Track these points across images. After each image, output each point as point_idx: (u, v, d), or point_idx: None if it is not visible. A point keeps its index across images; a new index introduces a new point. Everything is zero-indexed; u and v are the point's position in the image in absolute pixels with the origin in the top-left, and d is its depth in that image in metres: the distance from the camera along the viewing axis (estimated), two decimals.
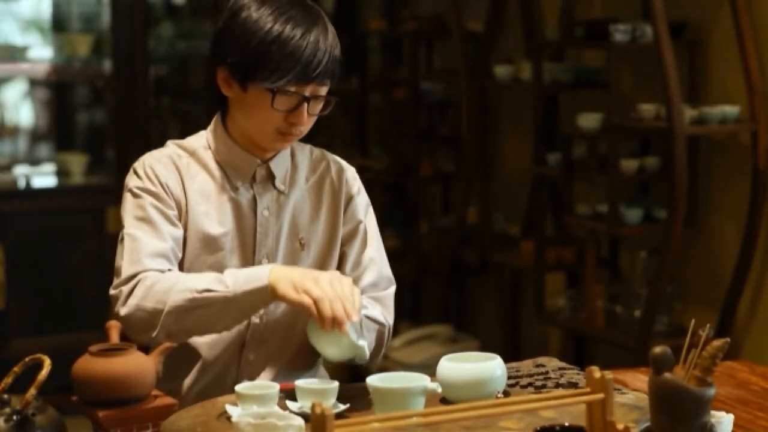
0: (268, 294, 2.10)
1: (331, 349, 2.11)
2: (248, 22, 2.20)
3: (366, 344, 2.13)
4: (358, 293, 2.11)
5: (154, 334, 2.13)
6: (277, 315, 2.31)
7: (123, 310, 2.14)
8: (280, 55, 2.17)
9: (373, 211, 2.43)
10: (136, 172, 2.27)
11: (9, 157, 5.68)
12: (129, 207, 2.24)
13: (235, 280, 2.12)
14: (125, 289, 2.15)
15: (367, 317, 2.26)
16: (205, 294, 2.11)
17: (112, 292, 2.18)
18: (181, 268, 2.24)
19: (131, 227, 2.21)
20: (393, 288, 2.41)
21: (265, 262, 2.29)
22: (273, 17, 2.19)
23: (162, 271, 2.17)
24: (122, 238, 2.22)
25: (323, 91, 2.25)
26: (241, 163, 2.30)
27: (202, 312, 2.12)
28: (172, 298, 2.11)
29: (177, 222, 2.25)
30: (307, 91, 2.22)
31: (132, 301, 2.14)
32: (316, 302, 2.04)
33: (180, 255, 2.25)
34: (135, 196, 2.24)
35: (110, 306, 2.19)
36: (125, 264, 2.17)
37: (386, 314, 2.36)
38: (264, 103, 2.21)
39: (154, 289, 2.13)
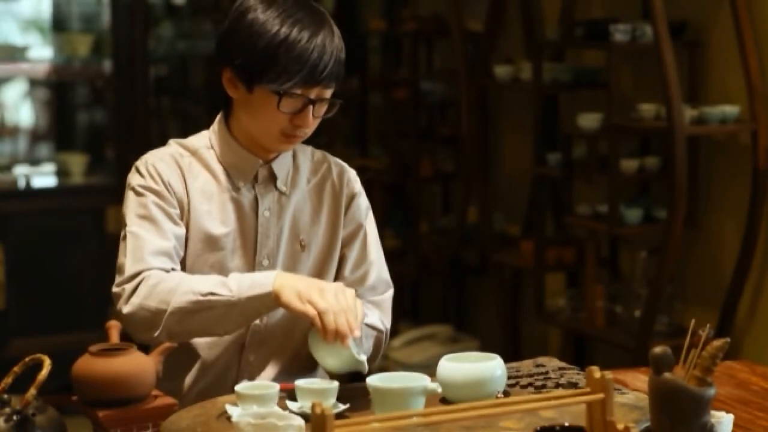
0: (271, 301, 2.10)
1: (331, 360, 2.11)
2: (255, 24, 2.20)
3: (366, 358, 2.13)
4: (361, 306, 2.11)
5: (155, 334, 2.13)
6: (277, 317, 2.31)
7: (125, 308, 2.14)
8: (288, 58, 2.17)
9: (372, 215, 2.43)
10: (138, 170, 2.27)
11: (9, 157, 5.68)
12: (131, 205, 2.24)
13: (240, 284, 2.12)
14: (128, 287, 2.15)
15: (366, 324, 2.26)
16: (209, 297, 2.11)
17: (114, 289, 2.17)
18: (182, 266, 2.24)
19: (134, 225, 2.21)
20: (391, 291, 2.41)
21: (266, 263, 2.30)
22: (280, 19, 2.19)
23: (165, 270, 2.17)
24: (124, 236, 2.21)
25: (328, 93, 2.25)
26: (244, 164, 2.30)
27: (205, 315, 2.12)
28: (175, 299, 2.11)
29: (179, 220, 2.25)
30: (313, 94, 2.22)
31: (135, 300, 2.13)
32: (320, 314, 2.05)
33: (182, 253, 2.24)
34: (137, 194, 2.24)
35: (112, 304, 2.19)
36: (128, 262, 2.17)
37: (384, 318, 2.36)
38: (270, 105, 2.20)
39: (158, 288, 2.13)
